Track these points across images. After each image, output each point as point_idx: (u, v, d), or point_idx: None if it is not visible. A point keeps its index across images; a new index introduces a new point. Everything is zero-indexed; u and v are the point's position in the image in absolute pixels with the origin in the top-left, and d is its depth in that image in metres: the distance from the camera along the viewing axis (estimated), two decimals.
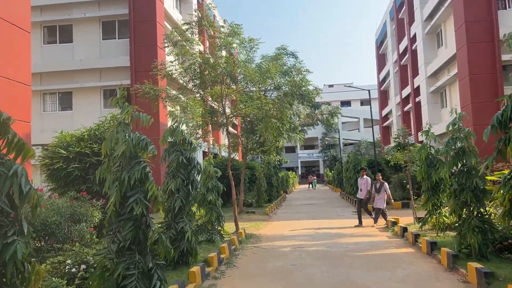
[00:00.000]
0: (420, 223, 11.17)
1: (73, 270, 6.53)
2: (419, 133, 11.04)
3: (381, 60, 50.07)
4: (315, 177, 56.64)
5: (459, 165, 7.99)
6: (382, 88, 49.34)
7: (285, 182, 40.66)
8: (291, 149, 70.72)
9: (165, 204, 8.60)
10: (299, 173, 71.42)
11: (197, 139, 17.56)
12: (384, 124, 48.59)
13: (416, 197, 16.90)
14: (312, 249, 10.93)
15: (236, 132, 23.68)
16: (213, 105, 18.35)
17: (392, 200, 15.80)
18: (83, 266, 6.68)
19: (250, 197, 25.30)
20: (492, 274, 6.39)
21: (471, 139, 7.77)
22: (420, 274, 7.70)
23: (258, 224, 16.52)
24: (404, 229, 11.95)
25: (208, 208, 11.33)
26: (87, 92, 23.83)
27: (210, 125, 17.77)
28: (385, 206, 14.98)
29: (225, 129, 15.50)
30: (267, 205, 23.73)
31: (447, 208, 10.84)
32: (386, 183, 15.21)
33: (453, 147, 7.84)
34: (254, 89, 16.74)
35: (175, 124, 8.56)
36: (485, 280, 6.28)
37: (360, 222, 15.02)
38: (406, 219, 14.71)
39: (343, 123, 70.38)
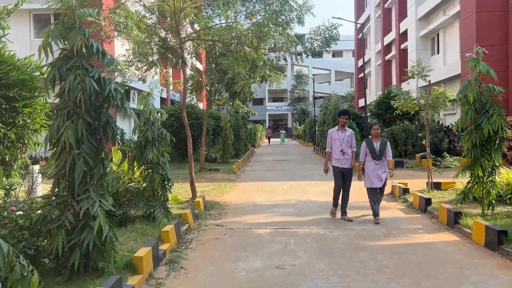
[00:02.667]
0: (459, 195, 7.73)
1: None
2: (465, 63, 7.32)
3: (360, 5, 45.89)
4: (283, 130, 53.36)
5: None
6: (359, 36, 45.47)
7: (253, 136, 37.06)
8: (259, 101, 66.91)
9: (56, 162, 4.69)
10: (266, 126, 67.96)
11: (142, 76, 13.26)
12: (360, 76, 45.10)
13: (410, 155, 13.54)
14: (302, 231, 7.37)
15: (195, 74, 19.48)
16: (165, 31, 13.84)
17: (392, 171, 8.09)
18: None
19: (214, 152, 21.55)
20: None
21: None
22: None
23: (222, 186, 12.86)
24: (427, 201, 8.58)
25: (148, 168, 7.46)
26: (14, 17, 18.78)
27: (161, 57, 13.48)
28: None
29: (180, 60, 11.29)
30: (234, 161, 20.11)
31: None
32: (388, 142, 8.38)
33: None
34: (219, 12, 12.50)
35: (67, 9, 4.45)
36: None
37: (343, 212, 8.37)
38: (411, 183, 11.44)
39: (313, 75, 66.75)
